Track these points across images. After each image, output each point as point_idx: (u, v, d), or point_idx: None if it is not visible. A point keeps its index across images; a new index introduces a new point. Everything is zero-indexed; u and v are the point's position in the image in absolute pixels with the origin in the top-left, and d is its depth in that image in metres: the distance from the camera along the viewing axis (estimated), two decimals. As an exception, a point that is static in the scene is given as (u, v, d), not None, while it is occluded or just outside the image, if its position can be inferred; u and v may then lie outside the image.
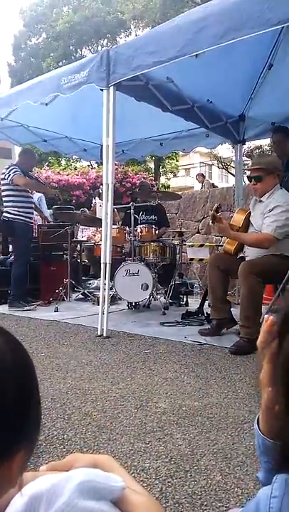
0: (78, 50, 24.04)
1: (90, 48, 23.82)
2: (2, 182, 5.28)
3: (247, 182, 4.37)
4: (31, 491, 0.51)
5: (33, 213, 5.51)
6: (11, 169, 5.19)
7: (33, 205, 5.59)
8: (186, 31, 3.27)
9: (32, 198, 5.53)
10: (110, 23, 22.81)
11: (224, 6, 3.14)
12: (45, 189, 5.89)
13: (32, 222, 5.44)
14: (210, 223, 3.74)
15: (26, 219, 5.27)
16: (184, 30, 3.30)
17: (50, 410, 2.11)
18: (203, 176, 13.41)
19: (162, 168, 19.58)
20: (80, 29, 22.54)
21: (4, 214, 5.30)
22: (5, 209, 5.29)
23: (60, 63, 21.83)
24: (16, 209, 5.21)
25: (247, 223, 3.73)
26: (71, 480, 0.51)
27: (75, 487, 0.50)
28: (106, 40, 23.53)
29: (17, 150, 7.65)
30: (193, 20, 3.30)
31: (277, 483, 0.61)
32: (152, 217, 5.78)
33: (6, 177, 5.19)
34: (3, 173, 5.23)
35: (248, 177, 3.89)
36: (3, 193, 5.35)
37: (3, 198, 5.34)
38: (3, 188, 5.31)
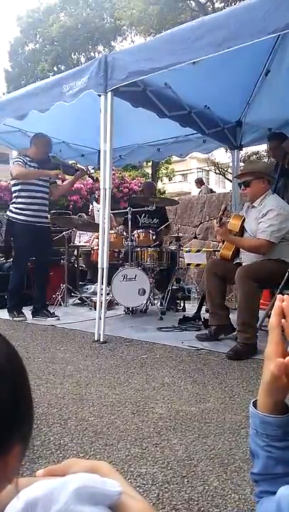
0: (73, 55, 24.18)
1: (86, 53, 23.96)
2: (12, 180, 4.82)
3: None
4: (27, 496, 0.51)
5: (41, 211, 4.76)
6: (14, 159, 4.70)
7: (43, 202, 4.78)
8: (183, 39, 3.29)
9: (43, 193, 4.76)
10: (105, 28, 22.97)
11: (220, 15, 3.18)
12: (45, 173, 4.74)
13: (37, 223, 4.68)
14: (215, 223, 3.73)
15: (27, 218, 4.63)
16: (180, 38, 3.33)
17: (47, 415, 2.10)
18: (202, 181, 13.44)
19: (159, 173, 19.66)
20: (74, 34, 22.68)
21: (7, 212, 4.80)
22: (9, 207, 4.79)
23: (55, 68, 21.94)
24: (15, 206, 4.68)
25: (243, 229, 3.75)
26: (67, 485, 0.51)
27: (72, 492, 0.50)
28: (101, 46, 23.70)
29: (14, 155, 7.49)
30: (189, 29, 3.33)
31: None
32: (155, 220, 5.80)
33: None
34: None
35: (238, 183, 3.94)
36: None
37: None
38: (12, 187, 4.81)
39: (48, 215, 4.99)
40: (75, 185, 11.50)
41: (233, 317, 3.63)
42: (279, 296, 0.76)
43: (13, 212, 4.70)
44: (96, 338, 3.74)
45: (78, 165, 5.97)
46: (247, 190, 3.66)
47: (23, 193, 4.68)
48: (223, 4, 18.06)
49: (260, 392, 0.76)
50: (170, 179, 21.55)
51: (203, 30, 3.16)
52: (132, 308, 5.05)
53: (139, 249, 5.11)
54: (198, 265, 6.57)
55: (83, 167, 5.69)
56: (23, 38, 25.09)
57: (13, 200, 4.74)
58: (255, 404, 0.77)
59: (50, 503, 0.50)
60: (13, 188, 4.76)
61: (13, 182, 4.79)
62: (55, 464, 0.60)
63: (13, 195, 4.76)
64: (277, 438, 0.73)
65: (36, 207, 4.71)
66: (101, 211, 3.91)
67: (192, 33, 3.25)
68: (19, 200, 4.68)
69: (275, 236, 3.38)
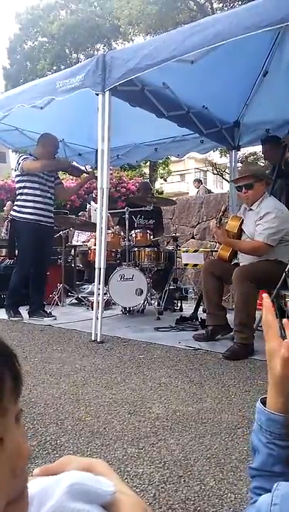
0: (73, 54, 24.14)
1: (85, 51, 23.92)
2: (16, 178, 4.83)
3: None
4: None
5: (46, 210, 4.69)
6: (22, 157, 4.63)
7: (47, 201, 4.72)
8: (179, 35, 3.33)
9: (48, 192, 4.72)
10: (105, 27, 22.95)
11: (216, 15, 3.23)
12: (56, 164, 4.77)
13: (41, 222, 4.63)
14: (215, 224, 3.73)
15: (30, 216, 4.57)
16: (176, 35, 3.38)
17: (43, 415, 2.09)
18: (200, 181, 13.46)
19: (157, 173, 19.64)
20: (74, 32, 22.65)
21: (11, 212, 4.79)
22: (13, 206, 4.78)
23: (55, 66, 21.91)
24: (18, 204, 4.64)
25: (241, 230, 3.75)
26: (61, 483, 0.51)
27: (65, 489, 0.50)
28: (101, 45, 23.67)
29: (11, 154, 7.46)
30: (185, 27, 3.35)
31: (279, 490, 0.61)
32: (150, 221, 5.80)
33: (16, 168, 4.66)
34: (15, 166, 4.73)
35: (236, 187, 3.92)
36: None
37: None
38: (16, 184, 4.77)
39: (53, 214, 4.91)
40: (72, 185, 11.50)
41: (230, 317, 3.63)
42: (265, 295, 0.77)
43: (16, 211, 4.67)
44: (93, 338, 3.74)
45: (87, 167, 5.85)
46: (249, 193, 3.61)
47: (26, 191, 4.61)
48: (221, 4, 18.09)
49: (269, 390, 0.77)
50: (165, 180, 21.44)
51: (199, 27, 3.19)
52: (129, 308, 5.05)
53: (136, 249, 5.11)
54: (195, 265, 6.57)
55: (90, 170, 5.54)
56: (22, 36, 25.01)
57: (18, 198, 4.70)
58: (262, 402, 0.79)
59: (45, 499, 0.50)
60: (17, 185, 4.72)
61: (17, 179, 4.74)
62: (51, 463, 0.60)
63: (17, 192, 4.72)
64: (280, 436, 0.74)
65: (40, 205, 4.64)
66: (98, 211, 3.90)
67: (188, 30, 3.29)
68: (23, 197, 4.63)
69: (272, 239, 3.38)
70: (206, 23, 3.18)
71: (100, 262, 3.79)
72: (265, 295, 0.77)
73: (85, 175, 5.26)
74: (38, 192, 4.63)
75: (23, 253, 4.77)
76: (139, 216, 5.69)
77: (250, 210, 3.67)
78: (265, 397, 0.78)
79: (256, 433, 0.78)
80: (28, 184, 4.61)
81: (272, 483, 0.68)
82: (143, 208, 5.30)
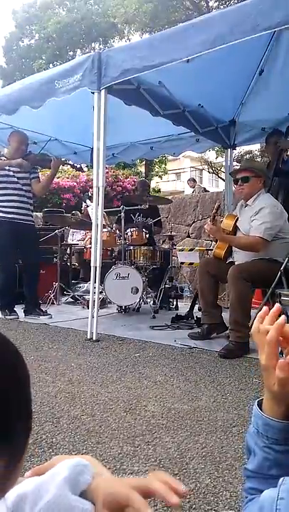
0: (70, 52, 24.05)
1: (82, 50, 23.84)
2: None
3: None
4: (18, 491, 0.52)
5: (21, 208, 4.67)
6: None
7: (23, 199, 4.69)
8: (176, 38, 3.32)
9: (23, 190, 4.68)
10: (102, 25, 22.88)
11: (213, 15, 3.23)
12: (5, 164, 4.60)
13: (16, 219, 4.61)
14: (208, 222, 3.73)
15: (5, 214, 4.57)
16: (173, 37, 3.36)
17: (39, 414, 2.09)
18: (194, 180, 13.46)
19: (152, 172, 19.62)
20: (71, 31, 22.58)
21: None
22: None
23: (51, 65, 21.84)
24: None
25: (236, 228, 3.76)
26: (56, 477, 0.52)
27: (61, 482, 0.51)
28: (98, 43, 23.60)
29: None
30: (182, 28, 3.35)
31: (285, 485, 0.61)
32: (148, 219, 5.80)
33: None
34: None
35: (234, 179, 3.93)
36: None
37: None
38: None
39: (32, 213, 4.90)
40: (67, 184, 11.40)
41: (226, 316, 3.64)
42: (278, 306, 0.76)
43: None
44: (89, 337, 3.74)
45: (53, 156, 5.57)
46: (244, 186, 3.65)
47: (0, 191, 4.62)
48: (217, 3, 18.07)
49: (265, 398, 0.75)
50: (160, 177, 21.37)
51: (196, 29, 3.18)
52: (125, 306, 5.05)
53: (132, 247, 5.11)
54: (191, 264, 6.58)
55: (57, 158, 5.33)
56: (19, 34, 24.90)
57: None
58: (259, 404, 0.77)
59: (40, 495, 0.51)
60: None
61: None
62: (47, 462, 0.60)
63: None
64: (277, 441, 0.73)
65: (14, 203, 4.62)
66: (94, 209, 3.90)
67: (185, 32, 3.28)
68: None
69: (268, 233, 3.40)
70: (204, 23, 3.17)
71: (95, 260, 3.78)
72: (278, 306, 0.75)
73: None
74: (11, 191, 4.62)
75: (2, 252, 4.75)
76: (137, 214, 5.70)
77: (247, 205, 3.69)
78: (262, 399, 0.77)
79: (252, 436, 0.78)
80: (1, 185, 4.60)
81: (267, 485, 0.68)
82: (139, 207, 5.30)
